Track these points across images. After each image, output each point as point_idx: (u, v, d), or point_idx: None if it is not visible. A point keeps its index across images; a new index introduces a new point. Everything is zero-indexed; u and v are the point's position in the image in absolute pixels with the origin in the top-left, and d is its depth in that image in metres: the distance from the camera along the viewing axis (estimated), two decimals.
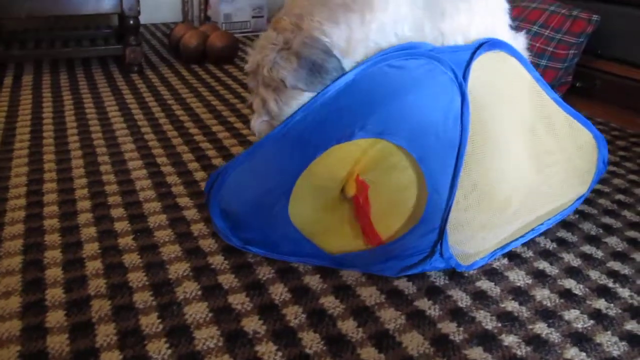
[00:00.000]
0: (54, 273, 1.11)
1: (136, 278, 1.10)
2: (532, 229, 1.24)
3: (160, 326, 0.98)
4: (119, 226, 1.27)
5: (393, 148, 1.07)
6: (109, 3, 2.36)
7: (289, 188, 1.07)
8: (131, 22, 2.42)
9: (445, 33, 1.11)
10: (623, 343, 0.97)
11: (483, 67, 1.10)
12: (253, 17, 3.32)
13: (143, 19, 3.48)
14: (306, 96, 1.05)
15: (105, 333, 0.95)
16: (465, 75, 1.07)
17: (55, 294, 1.05)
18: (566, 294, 1.09)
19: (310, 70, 1.03)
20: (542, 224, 1.26)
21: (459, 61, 1.07)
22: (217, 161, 1.60)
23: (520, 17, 2.07)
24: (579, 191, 1.33)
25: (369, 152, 1.10)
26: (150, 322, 0.98)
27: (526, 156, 1.18)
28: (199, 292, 1.06)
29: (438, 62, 1.05)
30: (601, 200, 1.46)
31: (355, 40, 1.05)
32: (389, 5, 1.06)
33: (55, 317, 0.99)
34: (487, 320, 1.01)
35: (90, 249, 1.19)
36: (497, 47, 1.13)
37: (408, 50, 1.04)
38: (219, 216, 1.17)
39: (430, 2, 1.09)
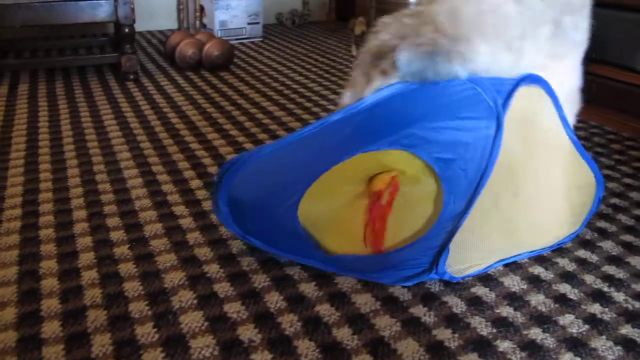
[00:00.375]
0: (50, 283, 1.11)
1: (132, 287, 1.10)
2: (532, 251, 1.24)
3: (156, 336, 0.98)
4: (115, 235, 1.27)
5: (420, 161, 1.09)
6: (104, 12, 2.37)
7: (305, 186, 1.09)
8: (126, 30, 2.42)
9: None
10: (618, 348, 0.98)
11: (519, 101, 1.10)
12: (249, 23, 3.33)
13: (139, 26, 3.49)
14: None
15: (101, 343, 0.96)
16: (505, 104, 1.07)
17: (51, 305, 1.05)
18: (561, 299, 1.10)
19: (424, 62, 1.03)
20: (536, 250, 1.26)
21: (502, 90, 1.08)
22: (213, 169, 1.60)
23: None
24: (572, 228, 1.31)
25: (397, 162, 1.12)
26: (145, 332, 0.98)
27: (532, 190, 1.19)
28: (195, 301, 1.06)
29: (480, 87, 1.05)
30: None
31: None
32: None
33: (51, 328, 0.99)
34: (482, 326, 1.01)
35: (86, 258, 1.19)
36: (537, 82, 1.13)
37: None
38: (225, 201, 1.16)
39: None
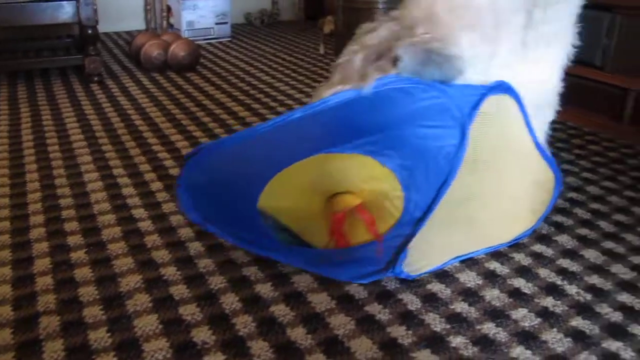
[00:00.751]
0: (3, 290, 1.09)
1: (87, 292, 1.09)
2: (488, 247, 1.25)
3: (109, 340, 0.97)
4: (72, 240, 1.26)
5: (383, 168, 1.12)
6: (66, 13, 2.34)
7: (266, 180, 1.11)
8: (89, 31, 2.40)
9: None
10: (568, 339, 0.99)
11: (487, 109, 1.12)
12: (216, 23, 3.31)
13: (106, 27, 3.46)
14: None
15: (53, 349, 0.95)
16: (471, 114, 1.08)
17: (2, 312, 1.03)
18: (515, 293, 1.11)
19: (423, 61, 1.04)
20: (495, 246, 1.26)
21: (469, 100, 1.08)
22: (175, 171, 1.60)
23: None
24: (530, 223, 1.32)
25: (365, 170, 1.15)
26: (99, 337, 0.98)
27: (494, 191, 1.21)
28: (150, 305, 1.06)
29: (446, 96, 1.05)
30: None
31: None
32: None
33: (2, 336, 0.98)
34: (436, 323, 1.02)
35: (42, 264, 1.18)
36: (506, 91, 1.13)
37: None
38: (186, 189, 1.13)
39: None
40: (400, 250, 1.10)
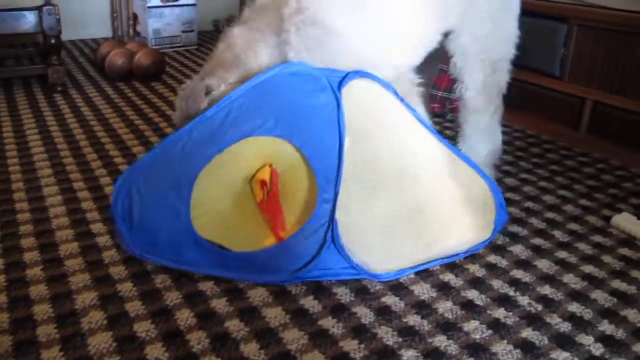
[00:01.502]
0: None
1: (41, 310, 1.09)
2: (448, 257, 1.27)
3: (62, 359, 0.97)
4: (28, 257, 1.26)
5: (289, 146, 1.19)
6: (28, 23, 2.32)
7: (189, 190, 1.15)
8: (53, 41, 2.38)
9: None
10: (517, 351, 1.01)
11: (362, 95, 1.21)
12: (183, 31, 3.30)
13: (72, 35, 3.43)
14: None
15: None
16: (339, 88, 1.18)
17: None
18: (468, 305, 1.13)
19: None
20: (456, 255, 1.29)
21: (336, 77, 1.20)
22: None
23: None
24: (483, 233, 1.33)
25: (273, 150, 1.22)
26: (51, 356, 0.97)
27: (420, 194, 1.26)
28: (105, 322, 1.06)
29: (315, 71, 1.18)
30: (510, 209, 1.51)
31: None
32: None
33: None
34: (388, 336, 1.04)
35: None
36: (367, 76, 1.22)
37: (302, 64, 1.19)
38: (123, 224, 1.18)
39: None
40: (329, 228, 1.16)
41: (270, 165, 1.22)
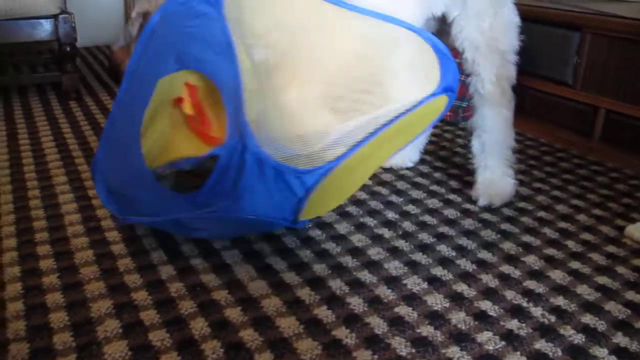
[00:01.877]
0: None
1: (57, 318, 1.10)
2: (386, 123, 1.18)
3: None
4: (45, 264, 1.27)
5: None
6: (44, 31, 2.35)
7: (138, 127, 1.30)
8: (68, 49, 2.40)
9: None
10: None
11: None
12: None
13: (86, 41, 3.47)
14: None
15: None
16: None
17: None
18: (481, 316, 1.13)
19: None
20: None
21: None
22: None
23: None
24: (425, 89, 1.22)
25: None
26: None
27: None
28: (120, 330, 1.07)
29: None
30: (523, 219, 1.51)
31: None
32: None
33: None
34: (401, 347, 1.04)
35: (13, 289, 1.18)
36: None
37: None
38: (102, 186, 1.30)
39: None
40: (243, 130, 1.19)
41: (186, 83, 1.35)
